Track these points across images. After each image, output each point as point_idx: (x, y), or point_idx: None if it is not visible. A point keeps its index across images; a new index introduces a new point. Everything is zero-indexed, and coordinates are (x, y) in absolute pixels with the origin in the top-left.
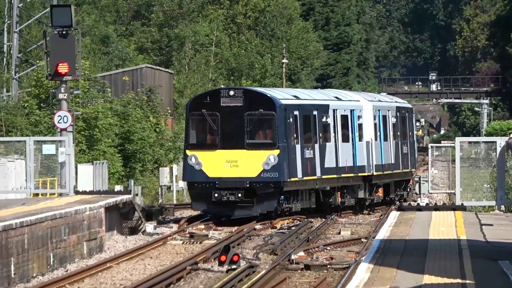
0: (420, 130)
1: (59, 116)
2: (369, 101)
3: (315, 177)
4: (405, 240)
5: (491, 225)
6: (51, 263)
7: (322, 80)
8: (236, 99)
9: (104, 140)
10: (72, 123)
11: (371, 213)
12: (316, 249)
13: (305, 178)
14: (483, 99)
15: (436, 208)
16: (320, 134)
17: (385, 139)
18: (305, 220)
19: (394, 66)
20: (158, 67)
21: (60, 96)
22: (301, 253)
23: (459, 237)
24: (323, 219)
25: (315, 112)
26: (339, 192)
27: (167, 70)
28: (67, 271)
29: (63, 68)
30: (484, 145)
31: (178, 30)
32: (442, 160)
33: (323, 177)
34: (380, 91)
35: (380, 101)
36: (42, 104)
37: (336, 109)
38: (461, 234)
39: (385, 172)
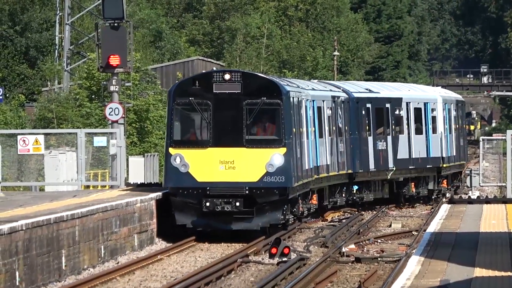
0: (479, 124)
1: (110, 108)
2: None
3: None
4: (456, 233)
5: None
6: (102, 255)
7: (374, 72)
8: (232, 85)
9: (155, 132)
10: (123, 115)
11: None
12: (367, 241)
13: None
14: None
15: (487, 201)
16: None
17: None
18: (356, 212)
19: (446, 59)
20: (209, 59)
21: (112, 88)
22: (352, 246)
23: (510, 230)
24: (374, 212)
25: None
26: None
27: (218, 62)
28: (118, 263)
29: (114, 60)
30: None
31: (229, 22)
32: (493, 153)
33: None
34: (431, 84)
35: None
36: (93, 96)
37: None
38: None
39: (316, 177)
